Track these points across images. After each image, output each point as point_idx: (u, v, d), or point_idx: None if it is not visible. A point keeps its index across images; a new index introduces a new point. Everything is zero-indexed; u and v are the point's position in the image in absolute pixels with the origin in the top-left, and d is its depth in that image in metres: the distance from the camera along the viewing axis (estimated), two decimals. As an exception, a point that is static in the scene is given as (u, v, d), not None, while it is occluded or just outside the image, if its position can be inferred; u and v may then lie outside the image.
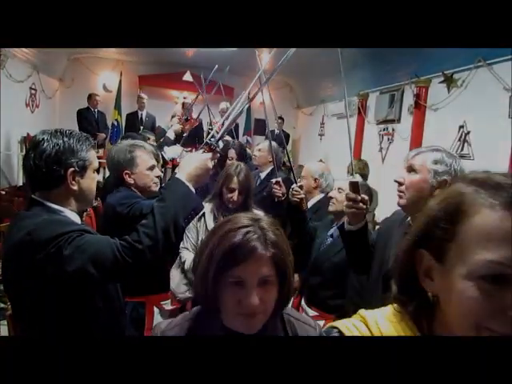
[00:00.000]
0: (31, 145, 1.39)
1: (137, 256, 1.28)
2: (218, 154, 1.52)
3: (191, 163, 1.43)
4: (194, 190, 1.41)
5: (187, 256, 2.46)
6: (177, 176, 1.41)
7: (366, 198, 1.62)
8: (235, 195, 2.42)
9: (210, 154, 1.46)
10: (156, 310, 2.23)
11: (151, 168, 2.20)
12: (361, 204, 1.60)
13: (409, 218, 1.61)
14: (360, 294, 1.89)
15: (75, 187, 1.38)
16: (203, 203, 2.04)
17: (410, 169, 1.57)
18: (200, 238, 2.42)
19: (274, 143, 3.85)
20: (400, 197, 1.58)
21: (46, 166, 1.34)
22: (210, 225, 2.39)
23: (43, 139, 1.36)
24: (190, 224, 2.27)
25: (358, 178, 1.62)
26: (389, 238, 1.65)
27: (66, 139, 1.37)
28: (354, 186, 1.60)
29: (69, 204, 1.41)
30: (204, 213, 2.37)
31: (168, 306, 2.30)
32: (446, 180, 1.50)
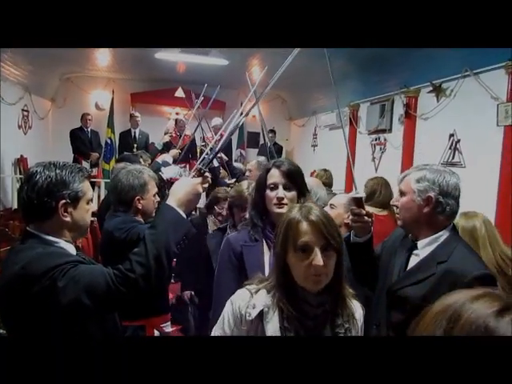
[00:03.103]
0: (25, 177, 1.41)
1: (130, 285, 1.29)
2: (209, 179, 1.53)
3: (181, 189, 1.43)
4: (184, 215, 1.42)
5: None
6: (167, 202, 1.41)
7: (371, 211, 1.66)
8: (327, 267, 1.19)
9: (199, 179, 1.46)
10: (156, 332, 2.23)
11: (155, 194, 2.29)
12: (366, 218, 1.63)
13: (410, 235, 1.69)
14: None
15: (68, 218, 1.39)
16: (251, 295, 1.26)
17: (401, 192, 1.65)
18: None
19: (263, 158, 3.90)
20: (398, 218, 1.70)
21: (38, 198, 1.35)
22: (275, 330, 1.22)
23: (36, 171, 1.37)
24: (232, 330, 1.26)
25: (361, 194, 1.66)
26: (393, 252, 1.72)
27: (58, 171, 1.38)
28: (358, 201, 1.65)
29: (63, 235, 1.42)
30: (262, 312, 1.24)
31: (168, 328, 2.30)
32: (430, 196, 1.55)
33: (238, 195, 2.37)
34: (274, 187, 1.66)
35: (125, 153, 6.07)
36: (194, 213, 3.18)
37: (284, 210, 1.58)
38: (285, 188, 1.65)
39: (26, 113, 7.04)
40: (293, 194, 1.66)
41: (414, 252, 1.60)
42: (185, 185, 1.44)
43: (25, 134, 7.10)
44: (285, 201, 1.63)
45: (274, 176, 1.68)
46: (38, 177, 1.36)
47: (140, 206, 2.22)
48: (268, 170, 1.70)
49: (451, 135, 4.38)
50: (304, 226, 1.19)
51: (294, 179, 1.67)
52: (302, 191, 1.70)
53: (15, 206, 6.24)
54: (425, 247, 1.57)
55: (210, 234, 2.53)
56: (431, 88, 4.59)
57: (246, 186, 2.35)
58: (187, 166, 6.25)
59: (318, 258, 1.16)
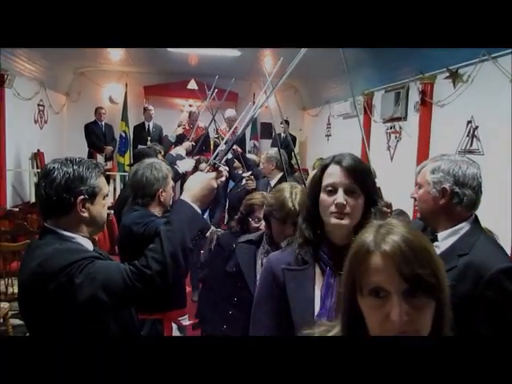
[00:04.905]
0: (42, 174, 1.42)
1: (146, 281, 1.30)
2: (225, 172, 1.52)
3: (196, 184, 1.43)
4: (199, 210, 1.41)
5: None
6: (182, 198, 1.41)
7: (389, 202, 1.64)
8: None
9: (214, 174, 1.46)
10: (174, 326, 2.25)
11: (171, 187, 2.37)
12: (384, 209, 1.61)
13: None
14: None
15: (85, 214, 1.41)
16: None
17: (418, 185, 1.63)
18: None
19: (275, 150, 3.90)
20: (416, 211, 1.69)
21: (56, 194, 1.36)
22: None
23: (53, 168, 1.39)
24: None
25: (377, 184, 1.63)
26: None
27: (75, 167, 1.40)
28: None
29: (80, 230, 1.43)
30: None
31: (186, 321, 2.32)
32: (445, 188, 1.52)
33: (278, 205, 1.79)
34: (333, 190, 1.24)
35: (139, 146, 6.11)
36: (220, 230, 2.77)
37: (345, 221, 1.22)
38: (347, 191, 1.23)
39: (41, 107, 7.12)
40: (358, 200, 1.24)
41: (434, 244, 1.58)
42: (199, 180, 1.43)
43: (41, 128, 7.19)
44: (347, 209, 1.21)
45: (333, 175, 1.25)
46: (55, 173, 1.37)
47: (162, 199, 2.28)
48: (325, 167, 1.28)
49: (469, 122, 4.28)
50: (376, 259, 0.77)
51: (361, 179, 1.25)
52: (372, 197, 1.27)
53: (33, 199, 6.34)
54: (445, 239, 1.54)
55: (240, 245, 2.03)
56: (447, 74, 4.49)
57: (289, 193, 1.79)
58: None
59: (397, 311, 0.74)
